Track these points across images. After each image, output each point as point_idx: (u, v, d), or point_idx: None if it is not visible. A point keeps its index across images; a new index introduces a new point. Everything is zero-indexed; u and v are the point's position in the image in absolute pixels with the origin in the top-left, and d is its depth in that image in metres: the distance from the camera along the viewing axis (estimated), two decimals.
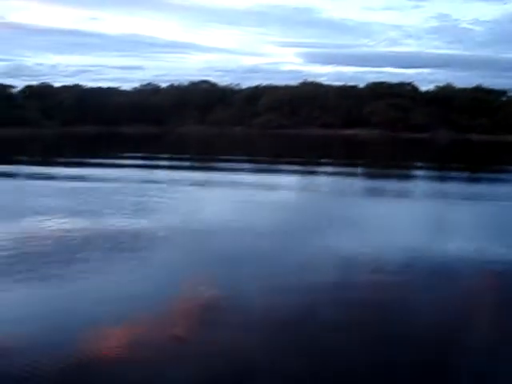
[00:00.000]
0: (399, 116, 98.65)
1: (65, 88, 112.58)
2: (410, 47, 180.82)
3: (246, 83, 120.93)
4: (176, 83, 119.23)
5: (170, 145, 65.52)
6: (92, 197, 20.47)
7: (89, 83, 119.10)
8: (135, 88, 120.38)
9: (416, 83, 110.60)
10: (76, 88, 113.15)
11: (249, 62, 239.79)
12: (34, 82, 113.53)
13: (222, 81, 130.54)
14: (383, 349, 7.25)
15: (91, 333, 7.51)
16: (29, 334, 7.44)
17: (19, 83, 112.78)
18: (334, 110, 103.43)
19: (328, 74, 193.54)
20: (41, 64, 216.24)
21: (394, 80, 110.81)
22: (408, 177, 33.49)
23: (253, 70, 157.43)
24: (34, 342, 7.21)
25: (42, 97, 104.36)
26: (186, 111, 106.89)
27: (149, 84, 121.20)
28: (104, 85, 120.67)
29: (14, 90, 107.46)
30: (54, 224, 14.91)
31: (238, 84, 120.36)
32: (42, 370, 6.35)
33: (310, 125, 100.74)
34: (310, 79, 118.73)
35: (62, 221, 15.39)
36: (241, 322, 8.08)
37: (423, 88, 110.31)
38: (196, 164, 39.37)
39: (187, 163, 38.46)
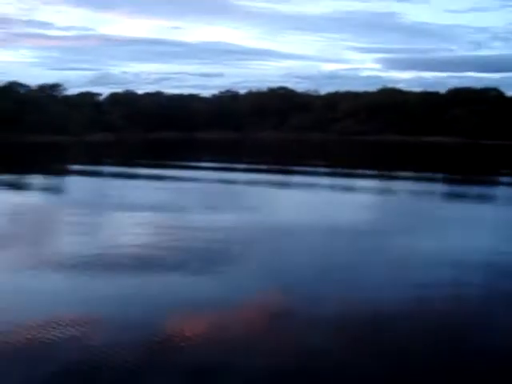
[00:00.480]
0: (483, 122, 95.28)
1: (147, 95, 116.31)
2: (495, 50, 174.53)
3: (325, 89, 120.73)
4: (254, 90, 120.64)
5: (250, 150, 66.23)
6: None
7: (170, 90, 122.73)
8: (214, 95, 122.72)
9: (502, 88, 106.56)
10: (158, 95, 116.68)
11: (327, 68, 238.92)
12: (119, 90, 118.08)
13: (300, 87, 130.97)
14: None
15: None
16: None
17: (106, 91, 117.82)
18: (414, 116, 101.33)
19: (408, 79, 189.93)
20: (125, 72, 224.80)
21: (478, 85, 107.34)
22: (497, 183, 32.40)
23: (331, 76, 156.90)
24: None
25: (126, 104, 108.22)
26: (264, 117, 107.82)
27: (228, 91, 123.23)
28: (185, 92, 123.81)
29: (101, 98, 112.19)
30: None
31: (316, 90, 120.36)
32: None
33: (388, 131, 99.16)
34: (390, 85, 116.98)
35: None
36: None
37: (510, 93, 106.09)
38: (283, 168, 39.53)
39: (277, 167, 38.71)
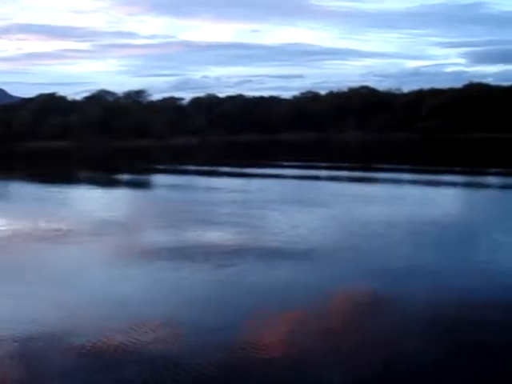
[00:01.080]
0: None
1: (229, 98, 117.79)
2: None
3: (408, 87, 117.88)
4: (335, 90, 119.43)
5: (336, 150, 65.46)
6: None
7: (251, 93, 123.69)
8: (295, 96, 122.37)
9: None
10: (239, 98, 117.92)
11: (410, 65, 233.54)
12: (201, 94, 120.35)
13: (382, 86, 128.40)
14: None
15: None
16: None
17: (188, 95, 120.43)
18: (503, 112, 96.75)
19: (496, 73, 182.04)
20: (206, 77, 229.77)
21: None
22: None
23: (414, 74, 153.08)
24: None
25: (208, 107, 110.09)
26: (346, 117, 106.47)
27: (308, 92, 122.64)
28: (265, 94, 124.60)
29: (184, 102, 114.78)
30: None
31: (398, 88, 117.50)
32: None
33: (476, 129, 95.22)
34: (476, 80, 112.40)
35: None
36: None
37: None
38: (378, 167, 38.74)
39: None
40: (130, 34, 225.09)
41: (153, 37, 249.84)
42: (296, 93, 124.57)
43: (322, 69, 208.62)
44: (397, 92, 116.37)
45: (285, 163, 37.29)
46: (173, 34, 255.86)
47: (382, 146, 70.68)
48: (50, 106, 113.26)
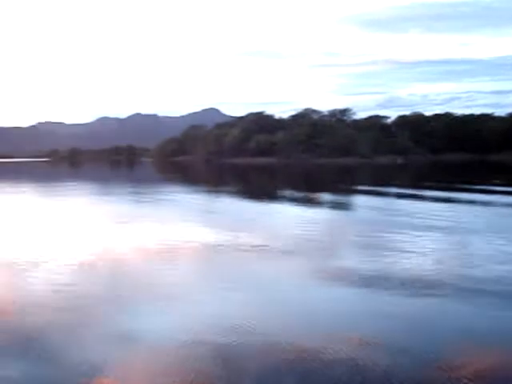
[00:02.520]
0: None
1: (435, 116, 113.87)
2: None
3: None
4: None
5: None
6: None
7: (459, 110, 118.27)
8: (510, 113, 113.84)
9: None
10: (446, 116, 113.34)
11: None
12: (406, 112, 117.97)
13: None
14: None
15: None
16: None
17: (393, 114, 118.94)
18: None
19: None
20: (413, 94, 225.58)
21: None
22: None
23: None
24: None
25: (413, 126, 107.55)
26: None
27: None
28: (475, 111, 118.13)
29: (388, 121, 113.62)
30: None
31: None
32: None
33: None
34: None
35: None
36: None
37: None
38: None
39: None
40: (338, 54, 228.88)
41: (358, 55, 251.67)
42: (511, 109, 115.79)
43: None
44: None
45: (497, 188, 34.77)
46: (378, 52, 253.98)
47: None
48: (257, 124, 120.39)
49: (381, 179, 50.39)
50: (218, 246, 14.55)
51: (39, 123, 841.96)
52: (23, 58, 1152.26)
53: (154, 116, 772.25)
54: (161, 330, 8.01)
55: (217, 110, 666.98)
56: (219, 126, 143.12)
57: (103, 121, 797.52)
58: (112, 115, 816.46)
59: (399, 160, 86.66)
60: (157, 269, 11.74)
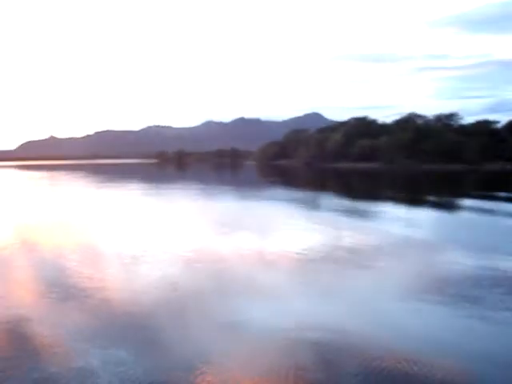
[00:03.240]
0: None
1: None
2: None
3: None
4: None
5: None
6: None
7: None
8: None
9: None
10: None
11: None
12: None
13: None
14: None
15: None
16: None
17: (503, 118, 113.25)
18: None
19: None
20: None
21: None
22: None
23: None
24: None
25: None
26: None
27: None
28: None
29: (498, 125, 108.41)
30: None
31: None
32: None
33: None
34: None
35: None
36: None
37: None
38: None
39: None
40: (442, 56, 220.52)
41: (466, 57, 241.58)
42: None
43: None
44: None
45: None
46: (488, 53, 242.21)
47: None
48: (360, 129, 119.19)
49: (490, 187, 48.30)
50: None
51: (149, 127, 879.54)
52: (137, 65, 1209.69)
53: (257, 120, 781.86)
54: None
55: (319, 115, 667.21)
56: (321, 130, 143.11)
57: (208, 124, 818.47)
58: (217, 119, 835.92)
59: (510, 167, 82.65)
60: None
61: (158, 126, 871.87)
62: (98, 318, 9.04)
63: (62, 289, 10.83)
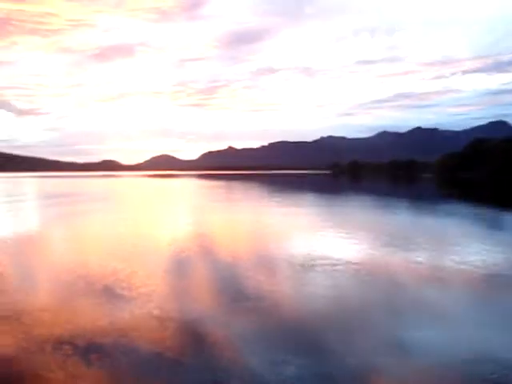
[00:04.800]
0: None
1: None
2: None
3: None
4: None
5: None
6: None
7: None
8: None
9: None
10: None
11: None
12: None
13: None
14: None
15: None
16: None
17: None
18: None
19: None
20: None
21: None
22: None
23: None
24: None
25: None
26: None
27: None
28: None
29: None
30: None
31: None
32: None
33: None
34: None
35: None
36: None
37: None
38: None
39: None
40: None
41: None
42: None
43: None
44: None
45: None
46: None
47: None
48: None
49: None
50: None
51: (322, 137, 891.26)
52: (307, 76, 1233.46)
53: (435, 130, 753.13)
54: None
55: (505, 123, 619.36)
56: (508, 139, 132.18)
57: (383, 135, 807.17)
58: (392, 130, 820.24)
59: None
60: None
61: (332, 137, 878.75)
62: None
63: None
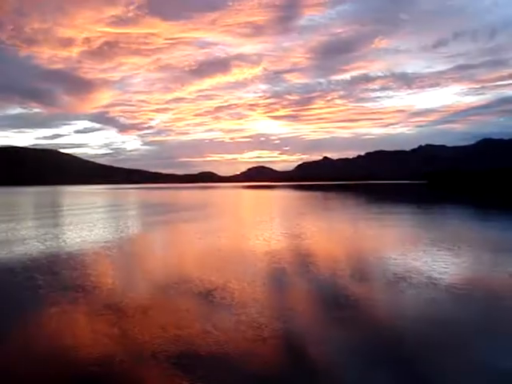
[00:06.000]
0: None
1: None
2: None
3: None
4: None
5: None
6: None
7: None
8: None
9: None
10: None
11: None
12: None
13: None
14: None
15: None
16: None
17: None
18: None
19: None
20: None
21: None
22: None
23: None
24: None
25: None
26: None
27: None
28: None
29: None
30: None
31: None
32: None
33: None
34: None
35: None
36: None
37: None
38: None
39: None
40: None
41: None
42: None
43: None
44: None
45: None
46: None
47: None
48: None
49: None
50: None
51: (420, 146, 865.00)
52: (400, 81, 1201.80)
53: None
54: None
55: None
56: None
57: (485, 143, 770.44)
58: (495, 137, 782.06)
59: None
60: None
61: (430, 146, 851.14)
62: None
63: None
